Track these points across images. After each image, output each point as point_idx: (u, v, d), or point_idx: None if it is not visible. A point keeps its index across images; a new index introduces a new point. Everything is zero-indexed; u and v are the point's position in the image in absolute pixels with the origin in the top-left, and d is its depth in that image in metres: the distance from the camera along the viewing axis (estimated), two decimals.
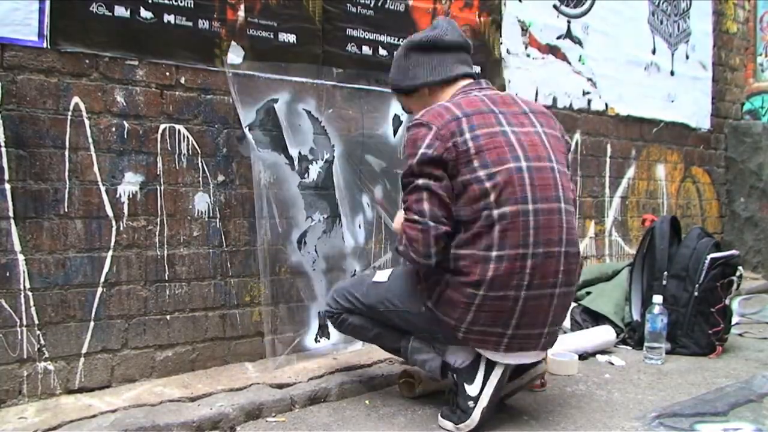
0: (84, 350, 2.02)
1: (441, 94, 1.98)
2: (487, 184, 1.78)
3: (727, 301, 2.86)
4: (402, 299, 1.99)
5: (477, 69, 2.19)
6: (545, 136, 1.91)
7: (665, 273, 2.91)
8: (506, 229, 1.77)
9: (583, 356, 2.69)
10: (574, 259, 1.89)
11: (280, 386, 2.14)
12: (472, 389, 1.89)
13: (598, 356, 2.75)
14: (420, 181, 1.81)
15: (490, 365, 1.90)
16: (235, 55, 2.30)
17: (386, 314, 2.04)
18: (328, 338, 2.54)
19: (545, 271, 1.81)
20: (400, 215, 1.96)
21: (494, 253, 1.77)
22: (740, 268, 2.90)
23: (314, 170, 2.51)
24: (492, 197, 1.77)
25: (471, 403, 1.88)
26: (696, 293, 2.81)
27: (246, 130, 2.32)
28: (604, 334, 2.87)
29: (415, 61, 2.00)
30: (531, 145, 1.86)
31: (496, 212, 1.77)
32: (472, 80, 2.00)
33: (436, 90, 1.99)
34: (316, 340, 2.51)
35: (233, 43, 2.29)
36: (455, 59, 1.99)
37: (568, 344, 2.66)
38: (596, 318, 3.03)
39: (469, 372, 1.92)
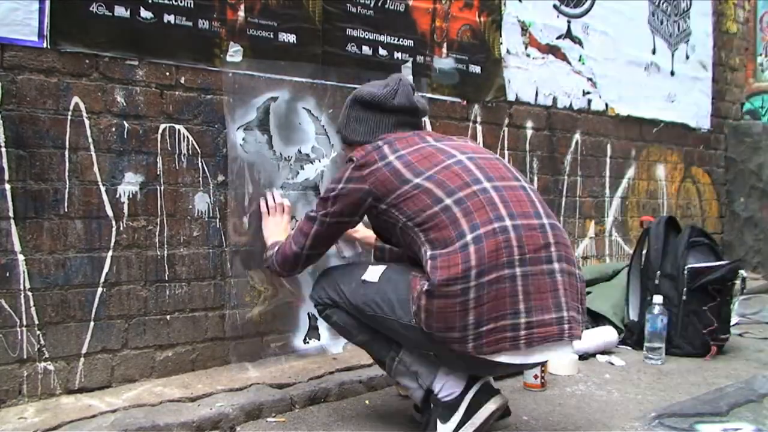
0: (84, 350, 2.02)
1: None
2: (428, 184, 1.73)
3: (728, 299, 2.86)
4: (391, 306, 1.77)
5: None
6: (476, 146, 1.93)
7: (658, 273, 2.92)
8: (469, 211, 1.67)
9: (583, 356, 2.69)
10: (560, 231, 1.75)
11: (280, 386, 2.14)
12: (443, 429, 1.73)
13: (598, 356, 2.75)
14: (320, 213, 1.88)
15: (473, 409, 1.72)
16: (234, 55, 2.30)
17: (373, 319, 1.83)
18: (318, 339, 2.53)
19: (534, 244, 1.67)
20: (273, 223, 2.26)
21: (469, 236, 1.64)
22: (742, 272, 2.89)
23: (313, 169, 2.51)
24: (438, 192, 1.71)
25: None
26: (685, 292, 2.82)
27: (243, 130, 2.32)
28: (606, 334, 2.87)
29: (357, 116, 1.96)
30: (464, 148, 1.85)
31: (449, 200, 1.69)
32: None
33: None
34: (305, 341, 2.50)
35: (232, 42, 2.29)
36: (397, 122, 1.93)
37: None
38: (596, 318, 3.03)
39: (448, 408, 1.74)
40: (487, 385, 1.77)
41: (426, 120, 2.25)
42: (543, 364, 2.26)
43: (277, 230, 2.25)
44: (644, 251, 3.06)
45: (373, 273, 1.86)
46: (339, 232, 1.95)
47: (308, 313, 2.51)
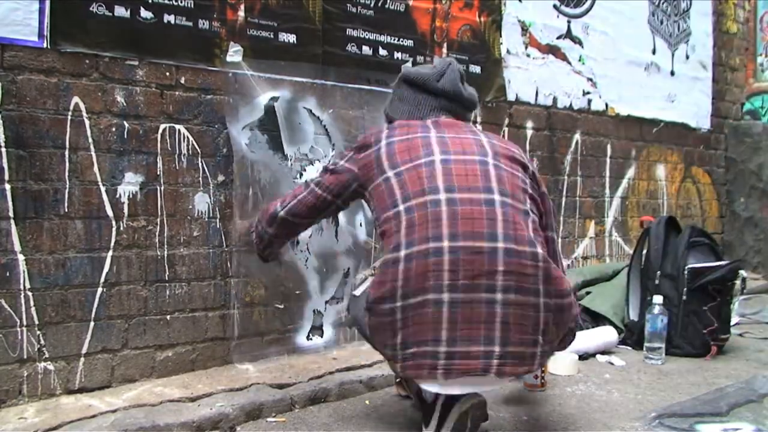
0: (84, 350, 2.02)
1: None
2: (394, 181, 1.68)
3: (728, 299, 2.86)
4: (360, 324, 1.77)
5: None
6: (485, 143, 1.77)
7: (658, 273, 2.91)
8: (413, 224, 1.59)
9: (583, 356, 2.69)
10: (519, 259, 1.58)
11: (280, 386, 2.14)
12: None
13: (598, 356, 2.75)
14: (314, 180, 1.89)
15: (446, 409, 1.66)
16: (234, 55, 2.30)
17: (361, 330, 1.81)
18: (321, 336, 2.54)
19: (473, 270, 1.55)
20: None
21: (403, 252, 1.58)
22: (742, 272, 2.89)
23: (313, 169, 2.51)
24: (398, 193, 1.66)
25: None
26: (685, 292, 2.81)
27: (243, 130, 2.32)
28: (606, 334, 2.87)
29: (401, 94, 1.92)
30: (456, 144, 1.74)
31: (402, 207, 1.63)
32: None
33: None
34: (308, 338, 2.51)
35: (232, 42, 2.29)
36: (439, 106, 1.86)
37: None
38: (596, 318, 3.03)
39: (427, 412, 1.71)
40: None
41: (473, 115, 2.09)
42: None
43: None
44: (644, 251, 3.06)
45: (361, 287, 1.83)
46: (321, 207, 1.89)
47: (314, 310, 2.51)
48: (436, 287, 1.55)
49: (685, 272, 2.83)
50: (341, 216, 2.58)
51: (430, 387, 1.61)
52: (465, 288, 1.55)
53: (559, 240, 1.90)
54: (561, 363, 2.50)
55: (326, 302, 2.57)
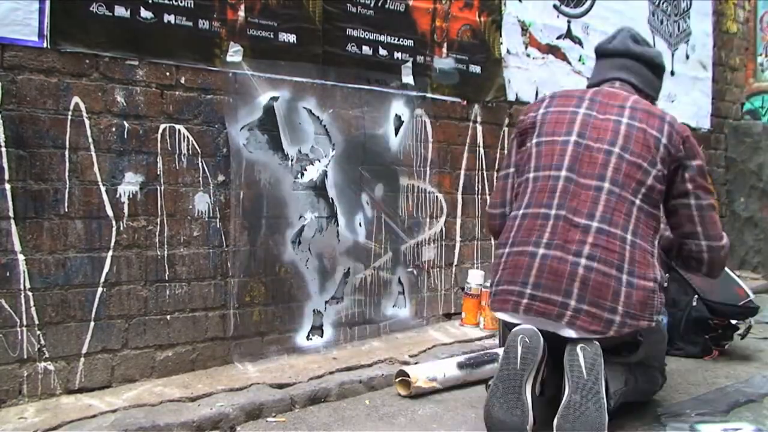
0: (84, 350, 2.02)
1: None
2: (534, 149, 2.02)
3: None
4: None
5: (636, 77, 2.19)
6: (622, 130, 1.97)
7: (667, 275, 2.90)
8: (535, 191, 1.96)
9: None
10: (609, 238, 1.86)
11: (280, 386, 2.14)
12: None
13: None
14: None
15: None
16: (234, 55, 2.30)
17: None
18: (321, 336, 2.54)
19: (567, 236, 1.87)
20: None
21: (521, 211, 1.96)
22: (751, 320, 2.81)
23: (314, 169, 2.51)
24: (533, 162, 2.01)
25: None
26: (696, 299, 2.80)
27: (243, 130, 2.32)
28: None
29: (594, 65, 2.28)
30: (595, 129, 1.99)
31: (532, 174, 2.00)
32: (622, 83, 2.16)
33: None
34: (308, 338, 2.51)
35: (232, 43, 2.29)
36: (611, 65, 2.18)
37: None
38: None
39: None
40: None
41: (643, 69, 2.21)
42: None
43: None
44: None
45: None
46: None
47: (314, 310, 2.52)
48: (536, 243, 1.89)
49: (695, 301, 2.79)
50: (341, 216, 2.58)
51: (511, 318, 1.90)
52: (557, 247, 1.87)
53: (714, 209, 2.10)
54: None
55: (326, 302, 2.57)
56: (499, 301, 1.93)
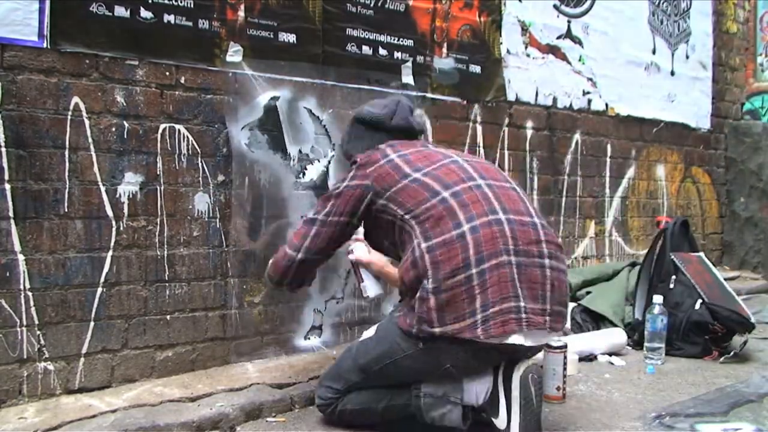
0: (84, 350, 2.02)
1: None
2: (424, 179, 1.84)
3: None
4: (395, 346, 1.81)
5: None
6: (477, 158, 2.10)
7: (673, 277, 2.90)
8: (465, 204, 1.77)
9: (590, 357, 2.69)
10: (550, 231, 1.85)
11: (280, 386, 2.14)
12: (499, 422, 1.78)
13: (599, 356, 2.75)
14: (321, 213, 1.93)
15: (507, 382, 1.78)
16: (234, 55, 2.30)
17: (384, 371, 1.84)
18: (319, 336, 2.54)
19: (527, 238, 1.77)
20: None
21: (466, 226, 1.74)
22: (748, 335, 2.81)
23: (314, 169, 2.51)
24: (436, 185, 1.82)
25: None
26: (700, 304, 2.79)
27: (243, 129, 2.32)
28: (615, 336, 2.85)
29: (357, 133, 2.09)
30: (459, 153, 2.00)
31: (446, 192, 1.80)
32: None
33: None
34: (307, 338, 2.51)
35: (232, 42, 2.29)
36: (393, 139, 2.03)
37: (580, 345, 2.66)
38: (596, 318, 3.02)
39: (491, 403, 1.81)
40: (510, 362, 1.82)
41: (424, 137, 2.37)
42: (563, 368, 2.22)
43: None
44: (656, 252, 3.05)
45: (368, 332, 1.97)
46: (338, 234, 1.94)
47: (314, 309, 2.52)
48: (506, 250, 1.73)
49: (700, 305, 2.79)
50: None
51: (519, 340, 1.72)
52: (524, 253, 1.75)
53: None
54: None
55: (326, 302, 2.57)
56: (497, 324, 1.69)
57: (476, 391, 1.82)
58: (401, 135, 2.05)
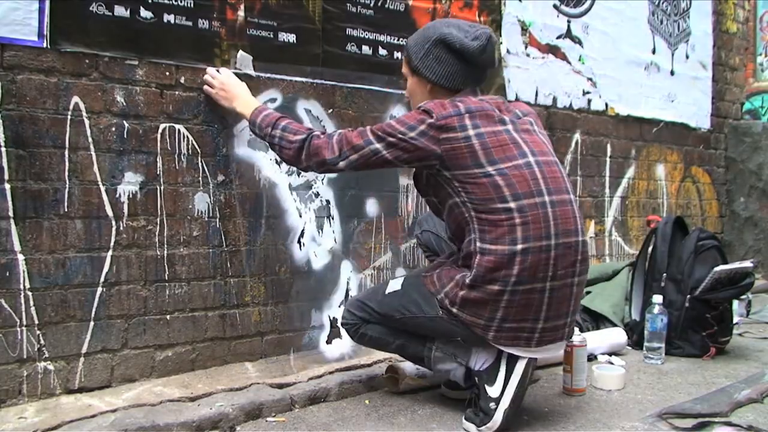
0: (84, 350, 2.02)
1: (439, 96, 1.99)
2: (498, 177, 1.84)
3: (728, 306, 2.84)
4: (417, 305, 1.98)
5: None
6: (542, 135, 2.03)
7: (664, 275, 2.90)
8: (527, 222, 1.82)
9: (590, 357, 2.68)
10: (586, 247, 1.96)
11: (280, 386, 2.14)
12: (493, 390, 1.90)
13: (599, 356, 2.75)
14: (378, 143, 1.91)
15: (511, 364, 1.91)
16: (242, 65, 2.30)
17: (403, 321, 2.03)
18: (321, 336, 2.55)
19: (566, 262, 1.86)
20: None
21: (520, 246, 1.81)
22: (750, 295, 2.83)
23: None
24: (506, 192, 1.84)
25: (492, 405, 1.88)
26: (688, 299, 2.79)
27: (242, 130, 2.32)
28: (615, 336, 2.84)
29: (439, 55, 1.97)
30: (536, 144, 1.96)
31: (514, 204, 1.83)
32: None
33: (436, 91, 2.01)
34: (307, 338, 2.51)
35: (241, 52, 2.29)
36: (476, 78, 2.02)
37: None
38: (595, 318, 3.02)
39: (489, 373, 1.94)
40: None
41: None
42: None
43: (250, 99, 2.18)
44: (650, 251, 3.05)
45: (395, 284, 2.08)
46: (383, 168, 1.99)
47: (314, 309, 2.52)
48: (543, 278, 1.83)
49: (701, 286, 2.77)
50: (340, 216, 2.58)
51: (521, 353, 1.90)
52: (560, 276, 1.86)
53: None
54: (609, 377, 2.39)
55: (326, 302, 2.57)
56: (507, 338, 1.88)
57: (481, 358, 1.97)
58: (482, 73, 2.03)
